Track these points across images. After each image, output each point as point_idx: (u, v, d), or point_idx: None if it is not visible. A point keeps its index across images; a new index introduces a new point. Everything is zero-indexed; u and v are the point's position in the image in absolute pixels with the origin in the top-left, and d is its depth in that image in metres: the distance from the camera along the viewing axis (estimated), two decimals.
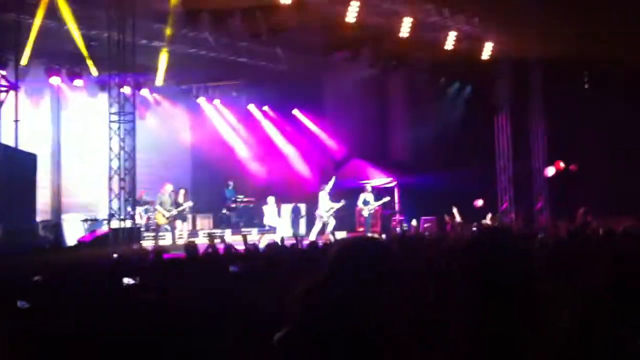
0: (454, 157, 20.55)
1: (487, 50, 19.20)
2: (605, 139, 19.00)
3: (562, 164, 19.74)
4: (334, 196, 18.47)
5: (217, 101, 23.22)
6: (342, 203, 18.28)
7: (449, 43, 18.32)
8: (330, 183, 18.57)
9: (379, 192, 19.89)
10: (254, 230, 19.83)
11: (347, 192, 19.72)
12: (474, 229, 14.99)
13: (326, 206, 18.19)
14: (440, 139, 20.88)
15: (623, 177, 17.86)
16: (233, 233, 18.61)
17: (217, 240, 12.32)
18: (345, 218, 19.52)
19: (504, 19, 19.47)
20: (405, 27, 17.03)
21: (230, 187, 21.77)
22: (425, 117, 21.52)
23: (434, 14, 17.99)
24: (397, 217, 20.49)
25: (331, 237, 16.64)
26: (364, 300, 2.19)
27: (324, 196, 18.32)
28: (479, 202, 19.28)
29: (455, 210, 18.25)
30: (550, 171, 20.10)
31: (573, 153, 19.65)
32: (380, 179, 21.90)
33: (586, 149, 19.32)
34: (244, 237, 12.00)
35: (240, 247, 10.94)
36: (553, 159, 20.28)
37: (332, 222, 18.12)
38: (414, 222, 19.26)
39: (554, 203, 20.14)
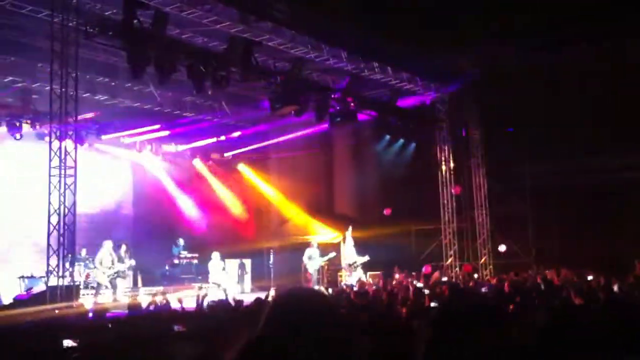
0: (400, 211, 20.70)
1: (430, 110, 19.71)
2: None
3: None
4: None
5: (160, 155, 22.83)
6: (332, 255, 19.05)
7: (393, 100, 18.71)
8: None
9: (324, 248, 19.75)
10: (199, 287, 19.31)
11: (293, 248, 19.44)
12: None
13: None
14: (385, 194, 20.94)
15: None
16: (175, 290, 18.08)
17: (159, 298, 12.00)
18: (291, 274, 19.24)
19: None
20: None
21: (179, 244, 21.36)
22: (370, 172, 21.65)
23: (378, 71, 18.29)
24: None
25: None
26: (302, 356, 1.99)
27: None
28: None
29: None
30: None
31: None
32: (326, 234, 21.80)
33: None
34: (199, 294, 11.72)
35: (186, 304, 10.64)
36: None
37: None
38: (363, 277, 19.10)
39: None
